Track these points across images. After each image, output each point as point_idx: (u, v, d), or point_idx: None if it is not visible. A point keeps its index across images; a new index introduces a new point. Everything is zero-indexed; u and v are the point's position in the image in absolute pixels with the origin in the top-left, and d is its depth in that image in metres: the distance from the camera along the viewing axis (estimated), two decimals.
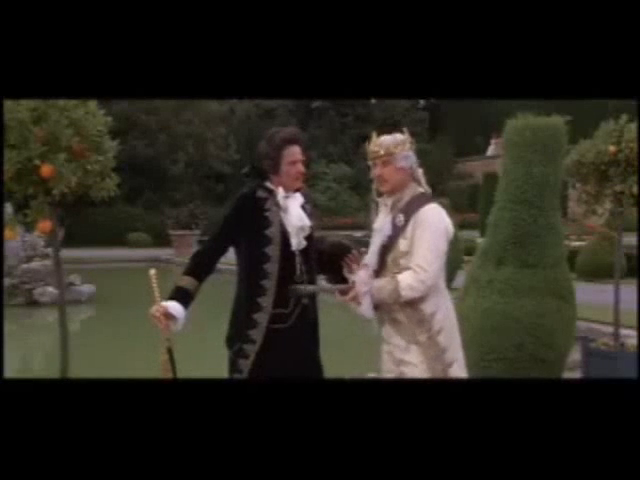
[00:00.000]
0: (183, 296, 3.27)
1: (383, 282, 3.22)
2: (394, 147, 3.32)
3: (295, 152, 3.34)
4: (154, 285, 3.24)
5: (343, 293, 3.25)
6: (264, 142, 3.38)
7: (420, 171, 3.40)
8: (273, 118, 35.70)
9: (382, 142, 3.35)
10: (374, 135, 3.42)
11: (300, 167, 3.36)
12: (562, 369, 5.35)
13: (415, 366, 3.25)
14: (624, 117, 5.58)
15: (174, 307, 3.22)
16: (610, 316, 6.00)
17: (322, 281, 3.55)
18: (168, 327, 3.21)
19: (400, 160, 3.31)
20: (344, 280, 3.35)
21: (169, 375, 3.22)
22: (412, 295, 3.18)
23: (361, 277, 3.23)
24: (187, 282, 3.30)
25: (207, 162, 32.20)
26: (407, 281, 3.15)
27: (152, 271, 3.30)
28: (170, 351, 3.24)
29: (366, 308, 3.22)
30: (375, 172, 3.37)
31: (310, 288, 3.29)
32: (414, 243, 3.20)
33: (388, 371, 3.37)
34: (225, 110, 33.93)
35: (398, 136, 3.39)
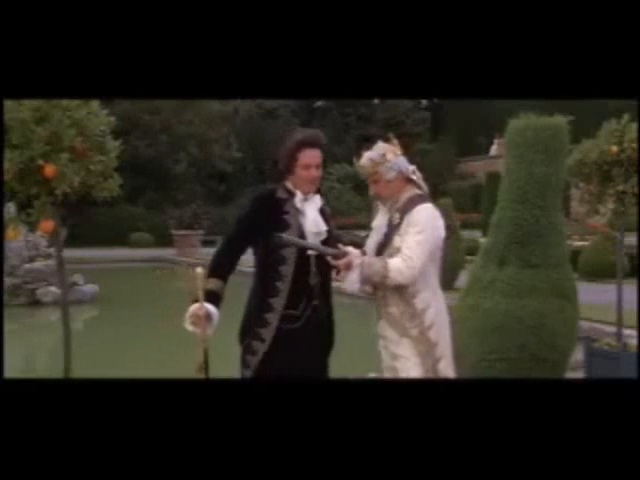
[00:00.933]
0: (214, 299, 3.23)
1: (374, 259, 3.32)
2: (375, 165, 3.39)
3: (310, 155, 3.28)
4: (198, 284, 3.15)
5: (336, 259, 3.26)
6: (282, 142, 3.37)
7: (411, 168, 3.45)
8: (275, 118, 35.72)
9: (364, 164, 3.44)
10: (355, 159, 3.49)
11: (313, 172, 3.29)
12: (564, 369, 5.34)
13: (407, 359, 3.35)
14: (626, 117, 5.57)
15: (212, 311, 3.19)
16: (613, 316, 5.99)
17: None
18: (205, 329, 3.18)
19: (386, 173, 3.39)
20: None
21: (202, 375, 3.19)
22: (399, 279, 3.26)
23: (354, 251, 3.29)
24: (214, 284, 3.26)
25: (209, 162, 32.23)
26: (396, 264, 3.25)
27: (199, 269, 3.19)
28: (206, 353, 3.21)
29: (354, 280, 3.26)
30: (370, 190, 3.50)
31: (300, 241, 3.22)
32: (405, 238, 3.30)
33: (387, 368, 3.45)
34: (227, 110, 33.94)
35: (378, 150, 3.42)
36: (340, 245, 3.30)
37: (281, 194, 3.33)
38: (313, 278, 3.30)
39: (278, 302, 3.25)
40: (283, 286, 3.25)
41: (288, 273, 3.24)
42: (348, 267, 3.23)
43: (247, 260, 3.44)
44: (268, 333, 3.26)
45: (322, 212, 3.39)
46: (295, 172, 3.29)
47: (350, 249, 3.28)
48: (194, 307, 3.18)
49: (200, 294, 3.16)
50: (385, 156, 3.39)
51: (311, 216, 3.31)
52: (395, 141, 3.45)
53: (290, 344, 3.25)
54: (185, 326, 3.21)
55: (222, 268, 3.33)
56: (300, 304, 3.27)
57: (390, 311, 3.39)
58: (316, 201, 3.37)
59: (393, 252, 3.33)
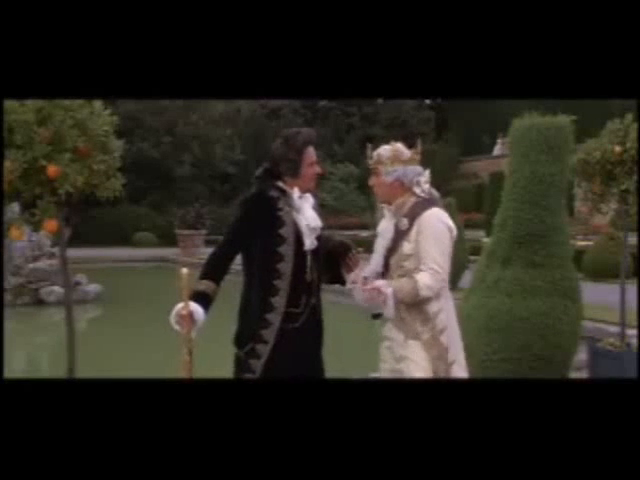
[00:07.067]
0: (203, 300, 3.23)
1: (402, 282, 3.30)
2: (382, 161, 3.40)
3: (313, 153, 3.35)
4: (183, 284, 3.15)
5: (370, 300, 3.30)
6: (281, 144, 3.32)
7: (416, 180, 3.40)
8: (279, 118, 35.71)
9: (372, 155, 3.45)
10: (369, 147, 3.50)
11: (318, 168, 3.38)
12: (568, 369, 5.34)
13: (415, 363, 3.32)
14: (629, 116, 5.56)
15: (197, 310, 3.18)
16: (616, 316, 5.98)
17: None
18: (189, 329, 3.16)
19: (385, 174, 3.39)
20: (341, 277, 3.46)
21: (189, 375, 3.18)
22: (429, 295, 3.28)
23: (381, 282, 3.29)
24: (205, 286, 3.26)
25: (213, 162, 32.23)
26: (424, 281, 3.25)
27: (184, 270, 3.19)
28: (190, 352, 3.20)
29: (390, 307, 3.28)
30: (370, 181, 3.49)
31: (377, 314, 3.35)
32: (421, 247, 3.29)
33: (389, 369, 3.43)
34: (231, 110, 33.94)
35: (394, 149, 3.42)
36: (357, 270, 3.36)
37: (273, 193, 3.32)
38: (310, 275, 3.32)
39: (279, 301, 3.25)
40: (283, 284, 3.25)
41: (287, 270, 3.24)
42: (385, 301, 3.26)
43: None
44: (270, 334, 3.25)
45: (314, 209, 3.40)
46: (301, 172, 3.31)
47: (377, 282, 3.29)
48: (178, 306, 3.17)
49: (185, 294, 3.16)
50: (396, 159, 3.38)
51: (308, 213, 3.33)
52: (418, 149, 3.43)
53: (292, 344, 3.25)
54: (172, 325, 3.21)
55: (215, 271, 3.32)
56: (301, 302, 3.28)
57: (402, 316, 3.36)
58: (309, 198, 3.39)
59: (402, 258, 3.33)
